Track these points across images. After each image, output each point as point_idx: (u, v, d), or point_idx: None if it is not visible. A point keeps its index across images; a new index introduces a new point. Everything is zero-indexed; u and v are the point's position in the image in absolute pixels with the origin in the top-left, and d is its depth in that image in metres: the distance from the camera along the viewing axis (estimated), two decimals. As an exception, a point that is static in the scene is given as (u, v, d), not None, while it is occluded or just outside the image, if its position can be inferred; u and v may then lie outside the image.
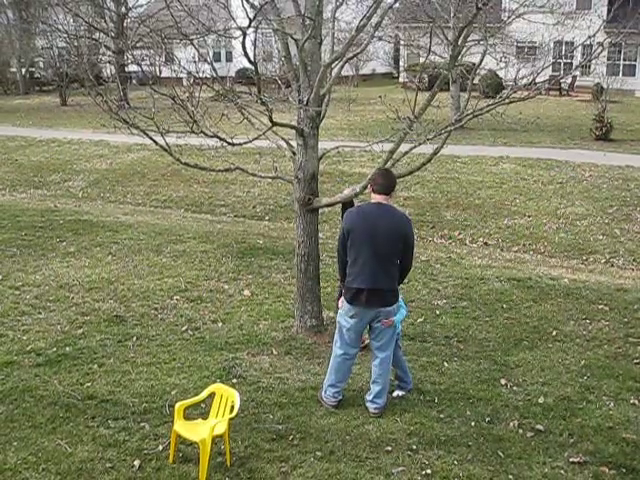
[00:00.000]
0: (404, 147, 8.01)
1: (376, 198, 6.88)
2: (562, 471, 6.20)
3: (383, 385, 7.10)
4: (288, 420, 6.96)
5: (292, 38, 8.12)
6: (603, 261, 12.58)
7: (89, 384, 7.65)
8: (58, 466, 6.21)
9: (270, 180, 16.18)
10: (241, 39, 7.49)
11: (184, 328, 9.18)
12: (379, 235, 6.76)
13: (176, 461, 6.27)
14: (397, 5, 25.03)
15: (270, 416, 7.03)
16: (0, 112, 35.73)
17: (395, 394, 7.43)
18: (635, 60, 40.03)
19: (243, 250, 12.58)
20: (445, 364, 8.19)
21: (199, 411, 6.86)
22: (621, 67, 39.88)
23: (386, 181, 6.90)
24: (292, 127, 8.42)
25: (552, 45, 26.71)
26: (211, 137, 8.06)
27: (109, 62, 36.02)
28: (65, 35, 30.94)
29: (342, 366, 7.19)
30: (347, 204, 8.26)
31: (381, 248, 6.77)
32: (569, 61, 36.20)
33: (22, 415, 7.01)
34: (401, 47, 41.97)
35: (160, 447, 6.47)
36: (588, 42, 9.10)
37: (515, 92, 7.96)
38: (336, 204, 8.42)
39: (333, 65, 8.41)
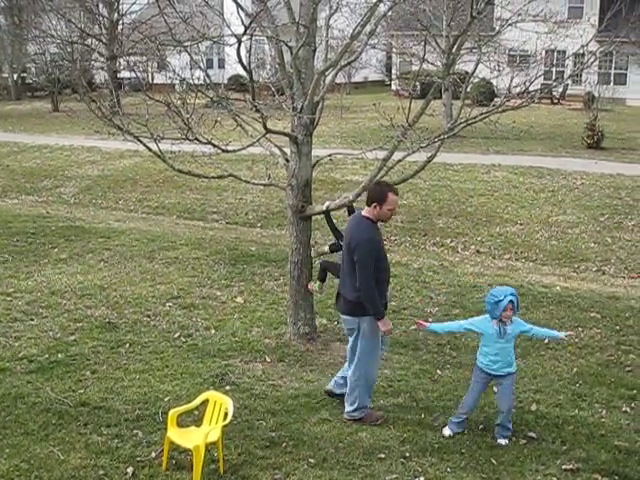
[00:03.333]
0: (397, 155, 8.03)
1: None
2: (555, 478, 6.21)
3: (349, 391, 7.11)
4: (281, 427, 6.95)
5: (286, 45, 8.13)
6: (595, 269, 12.62)
7: (81, 391, 7.63)
8: (50, 473, 6.18)
9: (262, 187, 16.19)
10: (235, 46, 7.52)
11: (177, 335, 9.16)
12: (345, 244, 7.03)
13: (169, 468, 6.25)
14: (390, 13, 25.10)
15: (263, 423, 7.03)
16: (-8, 118, 35.65)
17: (446, 432, 6.92)
18: (626, 69, 40.21)
19: (235, 257, 12.57)
20: (438, 372, 8.20)
21: (192, 418, 6.85)
22: (612, 76, 40.03)
23: (367, 192, 7.02)
24: (286, 134, 8.43)
25: (544, 54, 26.83)
26: (205, 144, 8.07)
27: (101, 68, 35.96)
28: (58, 41, 30.89)
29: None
30: (351, 209, 8.30)
31: (345, 257, 7.03)
32: (561, 69, 36.37)
33: (14, 422, 6.99)
34: (393, 55, 42.08)
35: (153, 454, 6.46)
36: (581, 51, 9.16)
37: (508, 100, 7.99)
38: (329, 212, 8.42)
39: (327, 73, 8.42)
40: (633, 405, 7.52)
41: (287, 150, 8.70)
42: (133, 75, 29.42)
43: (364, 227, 6.90)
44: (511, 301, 6.49)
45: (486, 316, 6.70)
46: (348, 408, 7.11)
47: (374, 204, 6.80)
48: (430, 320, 9.73)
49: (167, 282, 11.16)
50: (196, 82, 8.70)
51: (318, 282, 8.68)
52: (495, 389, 7.07)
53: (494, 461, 6.42)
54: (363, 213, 6.93)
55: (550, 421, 7.14)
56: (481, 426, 6.99)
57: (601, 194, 17.86)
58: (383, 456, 6.50)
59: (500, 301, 6.49)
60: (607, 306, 10.47)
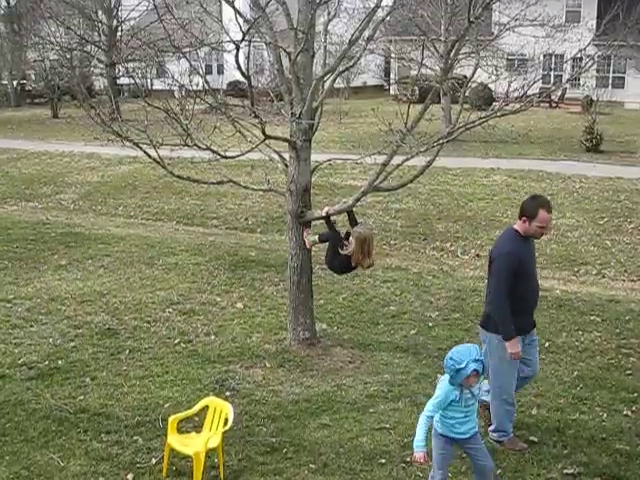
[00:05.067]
0: (396, 160, 8.04)
1: None
2: (556, 483, 6.21)
3: (491, 410, 6.90)
4: (281, 433, 6.95)
5: (285, 51, 8.15)
6: (594, 272, 12.60)
7: (81, 397, 7.63)
8: (51, 480, 6.19)
9: (262, 192, 16.19)
10: (234, 52, 7.53)
11: (177, 341, 9.16)
12: (489, 254, 6.84)
13: (169, 475, 6.25)
14: (389, 18, 25.15)
15: (263, 429, 7.02)
16: (-9, 124, 35.66)
17: None
18: (624, 72, 40.27)
19: (235, 262, 12.57)
20: (438, 376, 8.13)
21: (192, 424, 6.85)
22: (610, 79, 40.14)
23: (521, 205, 6.62)
24: (285, 140, 8.44)
25: (542, 58, 26.88)
26: (205, 150, 8.07)
27: (101, 75, 36.01)
28: (57, 48, 30.94)
29: None
30: (350, 214, 8.31)
31: (488, 267, 6.77)
32: (559, 73, 36.43)
33: (14, 429, 6.99)
34: (392, 60, 42.14)
35: (153, 461, 6.45)
36: (579, 55, 9.18)
37: (507, 105, 8.00)
38: (329, 217, 8.41)
39: (325, 78, 8.43)
40: (634, 408, 7.51)
41: (286, 155, 8.71)
42: (132, 81, 29.42)
43: (507, 239, 6.69)
44: (475, 370, 5.47)
45: (445, 381, 5.71)
46: (491, 428, 6.92)
47: (524, 218, 6.48)
48: (430, 324, 9.77)
49: (167, 288, 11.16)
50: (195, 88, 8.71)
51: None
52: (465, 454, 6.10)
53: (495, 466, 6.40)
54: (515, 225, 6.62)
55: (551, 425, 7.14)
56: (481, 430, 6.97)
57: (600, 197, 17.87)
58: (384, 461, 6.49)
59: (461, 369, 5.47)
60: (607, 309, 10.47)
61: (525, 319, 6.69)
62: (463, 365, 5.43)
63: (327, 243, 8.50)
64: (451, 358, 5.52)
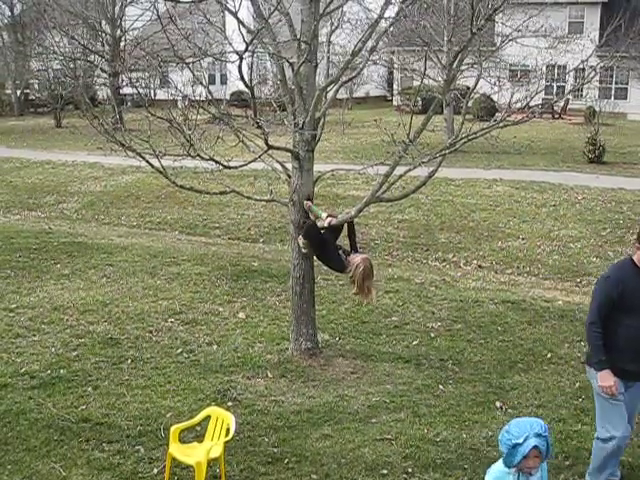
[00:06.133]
0: (398, 170, 8.05)
1: None
2: (558, 494, 6.19)
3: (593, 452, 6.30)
4: (283, 443, 6.94)
5: (288, 62, 8.17)
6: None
7: (83, 407, 7.62)
8: (52, 490, 6.18)
9: (264, 203, 16.22)
10: (237, 63, 7.55)
11: (179, 351, 9.16)
12: None
13: (171, 485, 6.24)
14: (391, 29, 25.22)
15: (265, 439, 7.02)
16: (-5, 134, 35.77)
17: None
18: (627, 83, 40.33)
19: (238, 272, 12.57)
20: (440, 387, 8.18)
21: (194, 434, 6.84)
22: (613, 90, 40.18)
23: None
24: (288, 150, 8.46)
25: (545, 69, 26.93)
26: (207, 160, 8.09)
27: (104, 84, 36.13)
28: (61, 57, 31.04)
29: None
30: (351, 225, 8.30)
31: None
32: (562, 84, 36.48)
33: (16, 438, 6.99)
34: (395, 70, 42.27)
35: (155, 470, 6.45)
36: (581, 66, 9.21)
37: (509, 115, 8.02)
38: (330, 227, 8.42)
39: (328, 88, 8.46)
40: (637, 420, 7.48)
41: (289, 166, 8.73)
42: (135, 91, 29.52)
43: (616, 265, 6.26)
44: (535, 446, 4.47)
45: (499, 465, 4.64)
46: (588, 469, 6.34)
47: (638, 245, 5.90)
48: (432, 335, 9.76)
49: (169, 298, 11.16)
50: (198, 98, 8.73)
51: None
52: None
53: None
54: (635, 255, 5.94)
55: (553, 436, 7.09)
56: (483, 441, 6.97)
57: (603, 208, 17.87)
58: (386, 472, 6.48)
59: (519, 445, 4.46)
60: (609, 321, 10.43)
61: (626, 360, 5.99)
62: (521, 440, 4.44)
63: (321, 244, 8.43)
64: (507, 431, 4.53)
